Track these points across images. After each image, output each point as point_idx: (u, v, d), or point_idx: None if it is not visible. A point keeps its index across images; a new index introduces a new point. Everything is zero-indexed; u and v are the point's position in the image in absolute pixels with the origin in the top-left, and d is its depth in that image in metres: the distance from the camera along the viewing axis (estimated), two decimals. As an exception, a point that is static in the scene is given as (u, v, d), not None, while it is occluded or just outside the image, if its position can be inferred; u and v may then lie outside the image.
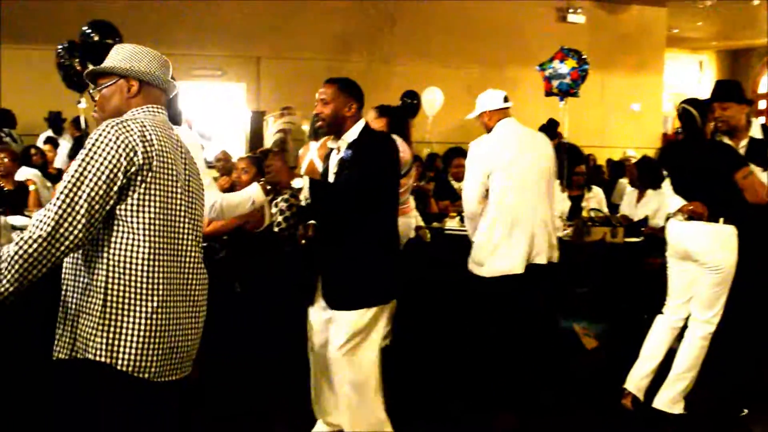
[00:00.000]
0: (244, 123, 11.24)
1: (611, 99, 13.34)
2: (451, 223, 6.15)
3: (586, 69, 7.11)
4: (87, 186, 2.09)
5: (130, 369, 2.15)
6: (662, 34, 14.31)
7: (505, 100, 4.42)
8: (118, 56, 2.40)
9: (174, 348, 2.24)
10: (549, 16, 13.10)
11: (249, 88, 12.13)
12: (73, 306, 2.18)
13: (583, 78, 7.11)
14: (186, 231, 2.30)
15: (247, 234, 4.57)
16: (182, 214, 2.29)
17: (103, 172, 2.11)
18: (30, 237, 2.02)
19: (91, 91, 2.44)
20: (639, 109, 14.00)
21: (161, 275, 2.21)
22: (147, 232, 2.19)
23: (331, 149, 3.59)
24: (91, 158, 2.12)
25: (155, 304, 2.18)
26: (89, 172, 2.10)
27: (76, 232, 2.05)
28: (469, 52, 12.45)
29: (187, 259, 2.31)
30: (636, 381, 4.30)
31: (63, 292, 2.23)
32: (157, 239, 2.21)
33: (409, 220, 5.07)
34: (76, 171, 2.11)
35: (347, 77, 3.55)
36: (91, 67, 2.45)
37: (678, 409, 4.19)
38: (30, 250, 2.01)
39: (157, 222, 2.21)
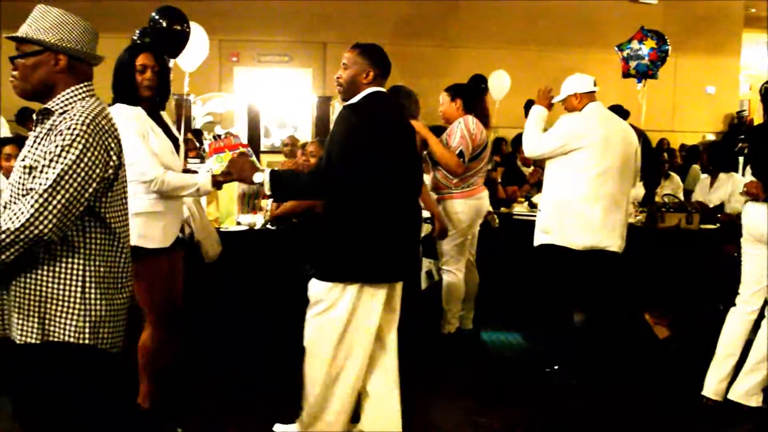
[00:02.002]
0: (311, 108, 11.32)
1: (684, 82, 12.93)
2: (520, 209, 6.09)
3: (667, 50, 6.85)
4: (63, 188, 2.12)
5: (108, 346, 2.30)
6: (739, 14, 13.79)
7: (594, 84, 4.50)
8: (45, 23, 2.25)
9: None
10: (620, -4, 12.77)
11: (315, 73, 12.22)
12: (44, 292, 2.21)
13: (662, 60, 6.86)
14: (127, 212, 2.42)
15: (317, 217, 4.61)
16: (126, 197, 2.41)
17: (80, 176, 2.14)
18: None
19: (10, 56, 2.30)
20: (714, 92, 13.54)
21: (128, 259, 2.38)
22: (119, 223, 2.32)
23: None
24: (72, 162, 2.12)
25: (126, 287, 2.37)
26: (68, 175, 2.12)
27: (45, 230, 2.10)
28: (536, 34, 12.25)
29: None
30: (714, 386, 4.12)
31: (28, 279, 2.22)
32: (125, 227, 2.36)
33: (478, 202, 5.03)
34: (53, 172, 2.11)
35: (374, 43, 3.38)
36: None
37: (755, 401, 4.04)
38: None
39: (123, 211, 2.34)
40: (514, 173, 7.26)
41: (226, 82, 11.84)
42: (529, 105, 10.45)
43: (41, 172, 2.13)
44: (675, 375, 4.61)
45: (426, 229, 4.98)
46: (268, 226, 4.76)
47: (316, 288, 3.30)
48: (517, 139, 7.91)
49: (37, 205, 2.09)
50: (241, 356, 4.51)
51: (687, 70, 12.88)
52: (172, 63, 6.43)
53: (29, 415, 2.35)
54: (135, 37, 6.06)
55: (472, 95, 5.10)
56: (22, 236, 2.08)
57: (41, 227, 2.09)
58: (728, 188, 6.03)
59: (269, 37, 11.88)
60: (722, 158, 6.34)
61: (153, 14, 5.88)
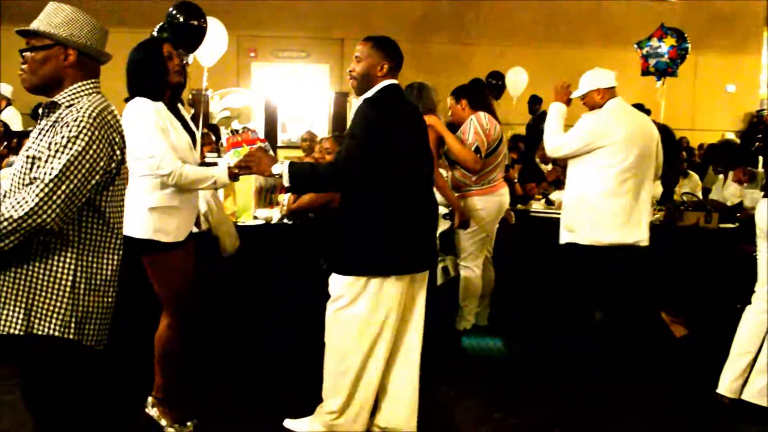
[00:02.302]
0: (328, 104, 11.35)
1: (704, 80, 12.84)
2: (537, 206, 6.08)
3: (687, 48, 6.84)
4: (69, 180, 2.13)
5: (93, 343, 2.29)
6: (761, 12, 13.64)
7: (614, 79, 4.49)
8: (57, 19, 2.30)
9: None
10: (639, -8, 12.66)
11: (332, 69, 12.23)
12: (31, 283, 2.20)
13: (682, 57, 6.85)
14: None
15: (334, 212, 4.62)
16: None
17: (85, 167, 2.16)
18: (2, 215, 2.08)
19: (20, 49, 2.33)
20: (734, 90, 13.42)
21: (120, 256, 2.36)
22: (116, 218, 2.33)
23: None
24: (78, 153, 2.14)
25: (115, 285, 2.34)
26: (73, 166, 2.14)
27: (48, 220, 2.11)
28: (554, 31, 12.19)
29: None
30: (728, 384, 4.07)
31: (18, 270, 2.21)
32: (121, 224, 2.36)
33: (499, 199, 5.03)
34: (59, 162, 2.13)
35: (386, 36, 3.39)
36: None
37: None
38: None
39: (121, 208, 2.36)
40: (531, 170, 7.23)
41: (243, 77, 11.89)
42: (532, 101, 10.45)
43: (47, 162, 2.14)
44: (691, 373, 4.57)
45: (444, 224, 4.98)
46: (285, 220, 4.77)
47: (336, 283, 3.32)
48: (531, 134, 7.89)
49: (42, 195, 2.10)
50: (256, 350, 4.53)
51: (707, 69, 12.77)
52: (191, 58, 6.47)
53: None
54: (155, 33, 6.11)
55: (474, 93, 5.11)
56: (24, 225, 2.09)
57: (45, 216, 2.10)
58: (738, 186, 6.03)
59: (287, 33, 11.91)
60: (730, 157, 6.32)
61: (170, 9, 5.92)
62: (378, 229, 3.23)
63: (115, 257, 2.34)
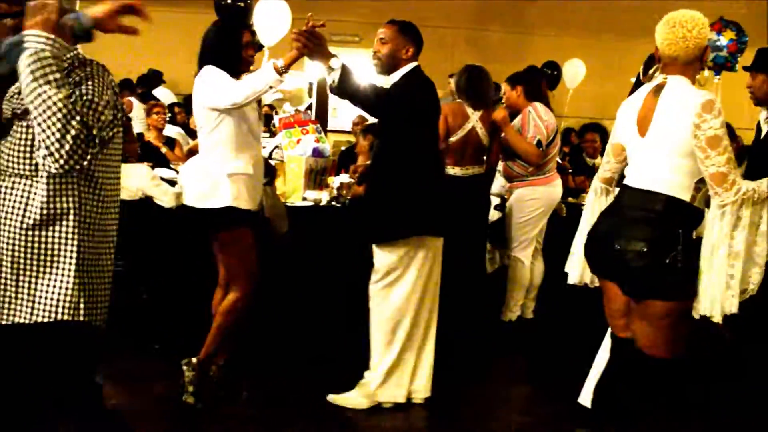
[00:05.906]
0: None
1: (769, 78, 12.44)
2: (588, 199, 5.98)
3: (746, 41, 6.66)
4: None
5: (100, 323, 2.11)
6: (831, 8, 13.19)
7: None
8: None
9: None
10: (703, -15, 12.33)
11: (385, 54, 12.16)
12: (32, 263, 2.01)
13: (741, 51, 6.67)
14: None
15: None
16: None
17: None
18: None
19: None
20: (799, 88, 12.99)
21: (116, 222, 2.18)
22: (112, 190, 2.15)
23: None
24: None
25: (112, 259, 2.16)
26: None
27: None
28: (612, 22, 11.92)
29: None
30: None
31: (14, 247, 2.01)
32: (117, 195, 2.18)
33: (553, 190, 4.98)
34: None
35: (409, 21, 3.54)
36: None
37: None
38: None
39: (116, 180, 2.18)
40: (580, 164, 7.12)
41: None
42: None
43: None
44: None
45: (495, 215, 4.94)
46: (334, 203, 4.77)
47: (380, 257, 3.40)
48: (584, 129, 7.76)
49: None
50: (301, 329, 4.55)
51: (771, 66, 12.37)
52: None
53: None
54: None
55: (531, 81, 5.04)
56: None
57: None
58: None
59: (341, 17, 11.87)
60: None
61: None
62: (416, 191, 3.37)
63: (114, 228, 2.17)
